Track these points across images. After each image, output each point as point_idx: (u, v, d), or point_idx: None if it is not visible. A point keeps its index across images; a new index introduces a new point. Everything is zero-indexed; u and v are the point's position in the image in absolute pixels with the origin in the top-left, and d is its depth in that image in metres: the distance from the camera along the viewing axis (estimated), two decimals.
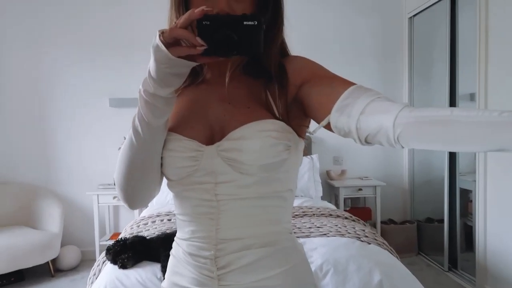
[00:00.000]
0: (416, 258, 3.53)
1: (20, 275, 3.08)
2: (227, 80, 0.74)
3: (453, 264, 3.22)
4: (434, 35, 3.55)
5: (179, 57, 0.62)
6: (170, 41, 0.61)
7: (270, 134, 0.70)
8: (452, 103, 3.18)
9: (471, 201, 3.09)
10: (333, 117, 0.66)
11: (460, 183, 3.16)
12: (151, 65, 0.64)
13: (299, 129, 0.76)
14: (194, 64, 0.64)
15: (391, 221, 3.75)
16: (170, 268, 0.82)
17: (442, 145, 0.56)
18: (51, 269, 3.18)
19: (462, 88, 3.11)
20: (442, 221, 3.31)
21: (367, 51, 3.83)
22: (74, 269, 3.34)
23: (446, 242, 3.24)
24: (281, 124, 0.72)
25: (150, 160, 0.72)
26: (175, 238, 0.83)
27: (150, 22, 3.54)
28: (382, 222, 3.64)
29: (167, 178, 0.78)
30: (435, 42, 3.52)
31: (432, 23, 3.55)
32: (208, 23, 0.61)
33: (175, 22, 0.62)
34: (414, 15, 3.71)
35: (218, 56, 0.63)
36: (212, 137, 0.74)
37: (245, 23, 0.62)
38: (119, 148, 2.77)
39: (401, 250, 3.34)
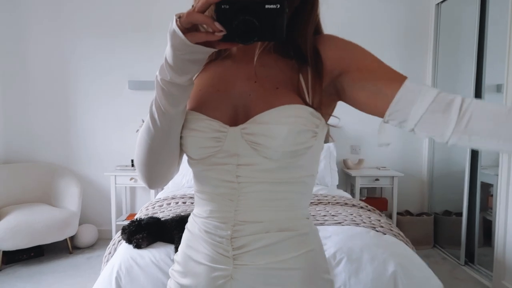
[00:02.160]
0: (432, 251, 3.48)
1: (39, 250, 3.17)
2: (256, 57, 0.71)
3: (469, 259, 3.16)
4: (461, 24, 3.42)
5: (196, 43, 0.59)
6: (188, 26, 0.58)
7: (298, 120, 0.67)
8: (478, 94, 3.08)
9: (492, 195, 3.02)
10: (386, 121, 0.67)
11: (481, 177, 3.08)
12: (168, 51, 0.61)
13: (326, 114, 0.74)
14: (212, 50, 0.61)
15: (407, 213, 3.69)
16: (185, 242, 0.81)
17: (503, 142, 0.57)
18: (69, 246, 3.27)
19: (488, 79, 3.00)
20: (460, 214, 3.24)
21: (392, 39, 3.72)
22: (90, 247, 3.43)
23: (464, 236, 3.17)
24: (311, 110, 0.69)
25: (167, 145, 0.71)
26: (191, 214, 0.82)
27: (169, 5, 3.53)
28: (398, 214, 3.60)
29: (188, 157, 0.76)
30: (462, 31, 3.40)
31: (461, 10, 3.42)
32: (228, 6, 0.57)
33: (192, 6, 0.59)
34: (442, 1, 3.57)
35: (238, 42, 0.60)
36: (235, 117, 0.71)
37: (266, 6, 0.57)
38: (137, 130, 2.76)
39: (417, 242, 3.29)
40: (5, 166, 3.39)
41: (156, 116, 0.68)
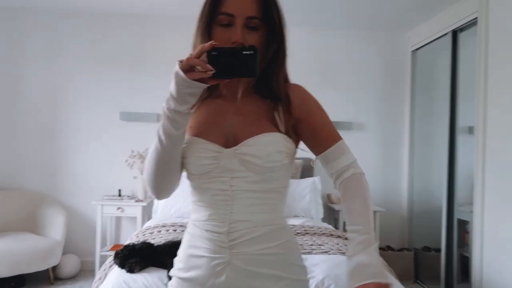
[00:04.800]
0: (413, 286, 3.55)
1: (20, 280, 3.10)
2: (239, 95, 0.95)
3: None
4: (436, 69, 3.71)
5: (193, 79, 0.79)
6: (187, 68, 0.79)
7: (276, 143, 0.91)
8: (452, 136, 3.28)
9: (468, 232, 3.14)
10: (318, 161, 1.00)
11: (458, 214, 3.21)
12: (172, 86, 0.82)
13: (295, 141, 0.98)
14: (205, 85, 0.82)
15: (389, 248, 3.78)
16: (186, 244, 0.98)
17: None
18: (51, 277, 3.20)
19: (462, 121, 3.22)
20: (439, 250, 3.35)
21: (371, 82, 3.98)
22: (72, 278, 3.36)
23: (443, 271, 3.27)
24: (285, 136, 0.93)
25: (171, 161, 0.91)
26: (190, 221, 0.99)
27: (162, 44, 3.74)
28: (380, 249, 3.68)
29: (190, 173, 0.96)
30: (436, 76, 3.67)
31: (435, 57, 3.70)
32: (216, 53, 0.79)
33: (190, 53, 0.81)
34: (417, 49, 3.88)
35: (223, 78, 0.82)
36: (227, 142, 0.92)
37: (243, 52, 0.80)
38: (126, 160, 2.89)
39: (398, 277, 3.35)
40: None
41: (162, 137, 0.87)
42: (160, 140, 0.87)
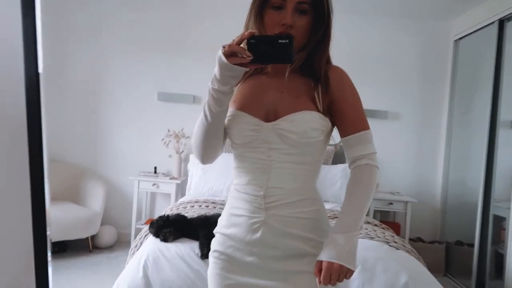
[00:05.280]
0: (442, 279, 3.50)
1: (63, 246, 3.32)
2: (286, 75, 1.02)
3: None
4: (479, 60, 3.56)
5: (234, 64, 0.89)
6: (229, 53, 0.88)
7: (313, 121, 1.00)
8: (492, 129, 3.16)
9: (504, 229, 3.05)
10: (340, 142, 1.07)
11: (495, 210, 3.12)
12: (216, 69, 0.92)
13: (331, 120, 1.05)
14: (244, 69, 0.91)
15: (419, 240, 3.73)
16: (228, 205, 1.10)
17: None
18: (90, 245, 3.40)
19: (505, 115, 3.09)
20: (472, 245, 3.27)
21: (409, 72, 3.88)
22: (109, 247, 3.56)
23: (475, 267, 3.20)
24: (321, 115, 1.01)
25: (215, 133, 1.03)
26: (232, 185, 1.11)
27: (202, 28, 3.81)
28: (410, 239, 3.64)
29: (233, 142, 1.07)
30: (479, 67, 3.53)
31: (478, 47, 3.55)
32: (254, 41, 0.88)
33: (232, 40, 0.89)
34: (460, 38, 3.73)
35: (260, 64, 0.92)
36: (267, 116, 1.02)
37: (279, 41, 0.88)
38: (162, 139, 3.03)
39: (427, 269, 3.33)
40: None
41: (207, 113, 0.99)
42: (205, 115, 0.99)
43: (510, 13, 2.97)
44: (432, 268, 3.50)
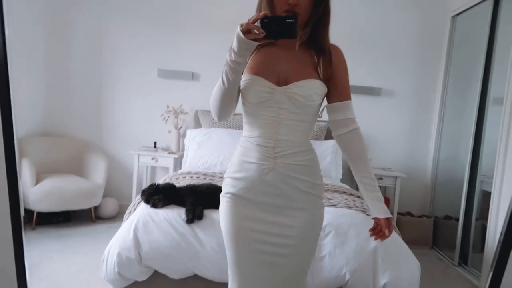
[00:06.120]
0: (429, 251, 3.64)
1: (67, 216, 3.52)
2: (296, 47, 1.26)
3: (464, 261, 3.30)
4: (474, 37, 3.54)
5: (250, 39, 1.07)
6: (246, 30, 1.07)
7: (316, 88, 1.24)
8: (482, 107, 3.21)
9: None
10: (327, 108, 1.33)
11: (484, 185, 3.19)
12: (234, 43, 1.10)
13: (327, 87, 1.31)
14: (258, 44, 1.10)
15: (408, 214, 3.85)
16: (240, 154, 1.30)
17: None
18: (93, 215, 3.60)
19: (496, 92, 3.12)
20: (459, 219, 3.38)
21: (405, 48, 3.92)
22: (111, 218, 3.75)
23: (459, 239, 3.31)
24: (321, 83, 1.25)
25: (230, 95, 1.23)
26: (243, 137, 1.32)
27: (202, 5, 3.86)
28: (399, 213, 3.77)
29: (248, 102, 1.27)
30: (474, 44, 3.52)
31: (475, 24, 3.53)
32: (266, 20, 1.07)
33: (248, 19, 1.07)
34: (458, 14, 3.72)
35: (271, 39, 1.11)
36: (278, 82, 1.24)
37: (287, 20, 1.08)
38: (162, 115, 3.19)
39: (414, 242, 3.46)
40: (45, 138, 3.78)
41: (224, 79, 1.18)
42: (222, 81, 1.19)
43: None
44: (420, 241, 3.65)
